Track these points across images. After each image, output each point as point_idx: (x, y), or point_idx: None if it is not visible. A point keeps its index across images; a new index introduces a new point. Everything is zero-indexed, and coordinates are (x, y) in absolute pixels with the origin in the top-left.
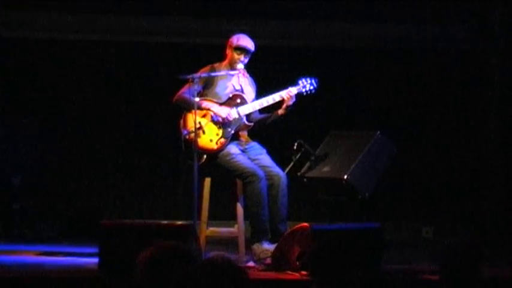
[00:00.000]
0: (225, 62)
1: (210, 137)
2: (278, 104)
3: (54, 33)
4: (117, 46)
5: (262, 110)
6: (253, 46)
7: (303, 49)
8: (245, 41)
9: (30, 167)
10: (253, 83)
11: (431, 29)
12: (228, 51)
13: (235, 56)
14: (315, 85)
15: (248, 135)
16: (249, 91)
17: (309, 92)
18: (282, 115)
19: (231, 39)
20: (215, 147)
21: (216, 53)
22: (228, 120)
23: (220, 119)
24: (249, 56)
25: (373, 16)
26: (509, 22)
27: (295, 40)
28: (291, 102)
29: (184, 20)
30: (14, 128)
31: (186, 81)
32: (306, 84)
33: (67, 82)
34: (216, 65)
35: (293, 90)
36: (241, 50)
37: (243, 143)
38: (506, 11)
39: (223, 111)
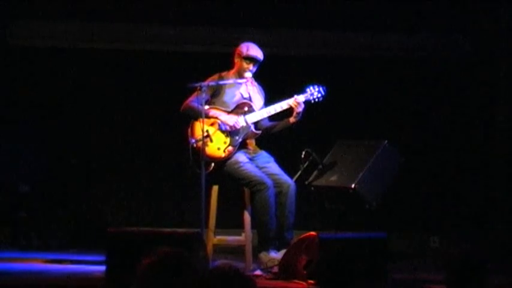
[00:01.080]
0: (233, 71)
1: (218, 145)
2: (286, 112)
3: (61, 41)
4: (125, 54)
5: (271, 118)
6: (262, 55)
7: (311, 58)
8: (254, 51)
9: (37, 175)
10: (262, 91)
11: (438, 38)
12: (237, 61)
13: (245, 65)
14: (322, 93)
15: (256, 144)
16: (258, 99)
17: (316, 100)
18: (293, 123)
19: (240, 49)
20: (223, 155)
21: (224, 62)
22: (236, 128)
23: (228, 128)
24: (258, 65)
25: (381, 26)
26: None
27: (304, 49)
28: (299, 110)
29: (192, 29)
30: (21, 136)
31: (194, 90)
32: (313, 92)
33: (75, 90)
34: (224, 73)
35: (300, 98)
36: (251, 59)
37: (251, 151)
38: None
39: (231, 120)
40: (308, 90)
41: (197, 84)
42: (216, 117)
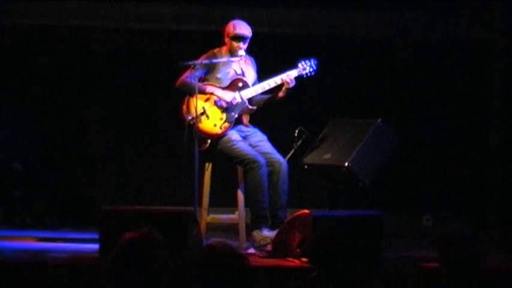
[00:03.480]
0: (225, 48)
1: (214, 122)
2: (279, 87)
3: (54, 20)
4: (117, 33)
5: (263, 93)
6: (250, 31)
7: (304, 36)
8: (241, 29)
9: (31, 154)
10: (254, 64)
11: (433, 19)
12: (227, 40)
13: (234, 44)
14: (314, 67)
15: (250, 121)
16: (251, 74)
17: (309, 75)
18: (282, 98)
19: (227, 29)
20: (219, 131)
21: (217, 40)
22: (233, 104)
23: (224, 104)
24: (248, 40)
25: (375, 5)
26: (510, 13)
27: (296, 27)
28: (291, 85)
29: (186, 7)
30: (14, 115)
31: (187, 68)
32: (306, 67)
33: (66, 69)
34: (217, 50)
35: (293, 73)
36: (239, 38)
37: (245, 128)
38: (507, 2)
39: (228, 95)
40: (300, 65)
41: (190, 63)
42: (212, 93)
